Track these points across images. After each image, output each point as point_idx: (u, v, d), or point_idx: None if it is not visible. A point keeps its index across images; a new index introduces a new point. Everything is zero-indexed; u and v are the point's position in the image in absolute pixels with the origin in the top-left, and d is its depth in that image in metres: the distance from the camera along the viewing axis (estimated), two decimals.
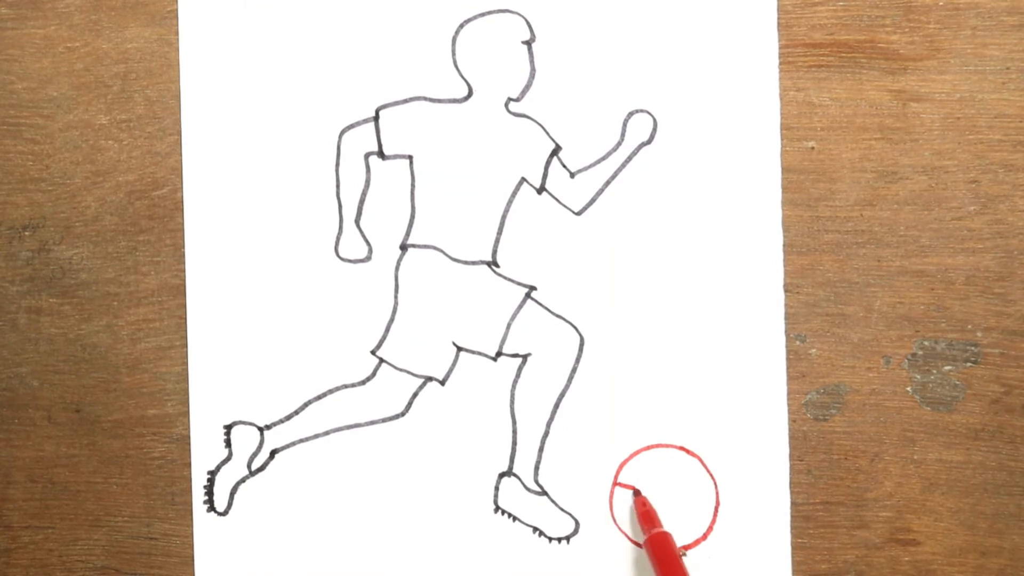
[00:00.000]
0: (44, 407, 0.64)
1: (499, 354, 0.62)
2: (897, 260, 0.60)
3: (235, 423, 0.63)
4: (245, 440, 0.63)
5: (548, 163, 0.62)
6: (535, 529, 0.62)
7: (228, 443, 0.63)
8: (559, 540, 0.62)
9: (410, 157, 0.63)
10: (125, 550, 0.64)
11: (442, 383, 0.63)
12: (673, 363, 0.61)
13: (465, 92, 0.62)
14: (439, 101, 0.63)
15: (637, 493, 0.61)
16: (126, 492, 0.64)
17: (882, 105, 0.60)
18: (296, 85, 0.63)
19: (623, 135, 0.62)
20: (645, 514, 0.59)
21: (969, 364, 0.60)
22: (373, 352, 0.63)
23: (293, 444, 0.63)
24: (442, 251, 0.62)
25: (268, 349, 0.63)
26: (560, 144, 0.62)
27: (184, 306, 0.63)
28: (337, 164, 0.63)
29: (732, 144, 0.61)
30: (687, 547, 0.61)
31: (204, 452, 0.63)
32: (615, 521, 0.62)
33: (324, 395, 0.63)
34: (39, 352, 0.64)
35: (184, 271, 0.63)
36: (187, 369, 0.63)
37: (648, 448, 0.61)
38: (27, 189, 0.64)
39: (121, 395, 0.64)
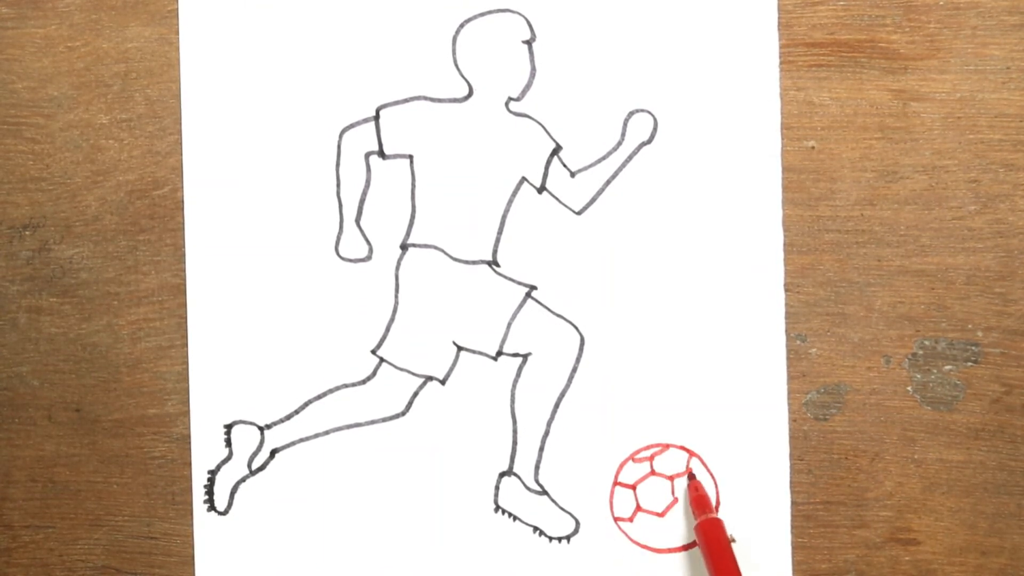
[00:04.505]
0: (44, 407, 0.64)
1: (499, 353, 0.62)
2: (897, 260, 0.60)
3: (235, 422, 0.63)
4: (245, 439, 0.63)
5: (548, 163, 0.62)
6: (535, 529, 0.62)
7: (228, 442, 0.63)
8: (559, 540, 0.62)
9: (410, 157, 0.63)
10: (125, 550, 0.64)
11: (442, 383, 0.63)
12: (673, 363, 0.61)
13: (465, 92, 0.62)
14: (439, 101, 0.63)
15: (692, 477, 0.61)
16: (126, 492, 0.64)
17: (882, 105, 0.60)
18: (296, 85, 0.63)
19: (623, 135, 0.62)
20: (698, 499, 0.59)
21: (969, 364, 0.60)
22: (373, 351, 0.63)
23: (293, 443, 0.63)
24: (442, 251, 0.62)
25: (268, 349, 0.63)
26: (560, 144, 0.62)
27: (184, 306, 0.63)
28: (337, 164, 0.63)
29: (732, 144, 0.61)
30: (688, 547, 0.61)
31: (204, 451, 0.63)
32: (615, 521, 0.62)
33: (324, 394, 0.63)
34: (39, 352, 0.64)
35: (184, 271, 0.63)
36: (187, 369, 0.63)
37: (648, 448, 0.61)
38: (27, 188, 0.64)
39: (121, 395, 0.64)
